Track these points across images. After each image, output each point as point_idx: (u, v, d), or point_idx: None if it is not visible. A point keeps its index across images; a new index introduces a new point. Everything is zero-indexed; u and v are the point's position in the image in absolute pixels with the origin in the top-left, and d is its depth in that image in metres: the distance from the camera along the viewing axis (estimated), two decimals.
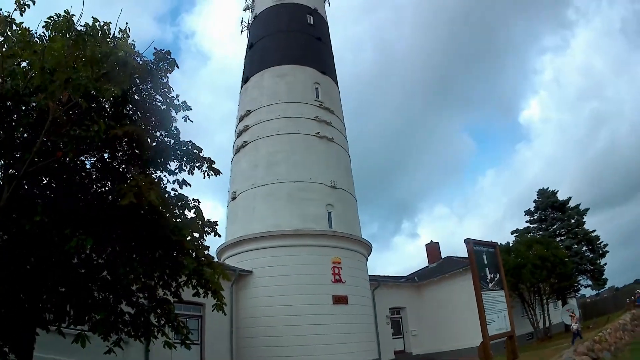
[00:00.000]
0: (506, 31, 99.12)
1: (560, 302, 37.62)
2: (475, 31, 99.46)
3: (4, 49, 6.98)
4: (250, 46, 33.96)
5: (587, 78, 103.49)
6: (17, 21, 7.15)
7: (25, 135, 7.32)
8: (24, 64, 7.20)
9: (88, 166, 8.23)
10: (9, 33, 7.11)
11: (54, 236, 6.93)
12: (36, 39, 7.36)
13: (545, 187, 45.79)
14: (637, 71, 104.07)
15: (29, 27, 7.33)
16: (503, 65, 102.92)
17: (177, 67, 8.61)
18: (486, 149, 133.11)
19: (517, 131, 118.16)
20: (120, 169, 8.51)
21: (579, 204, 43.84)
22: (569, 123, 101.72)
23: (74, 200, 7.54)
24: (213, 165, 9.15)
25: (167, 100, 8.80)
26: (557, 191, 44.64)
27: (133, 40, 8.16)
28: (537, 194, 45.60)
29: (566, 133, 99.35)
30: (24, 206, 6.85)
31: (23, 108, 7.15)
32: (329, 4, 39.07)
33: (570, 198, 44.21)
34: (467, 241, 12.11)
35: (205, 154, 8.94)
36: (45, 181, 7.70)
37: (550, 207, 44.47)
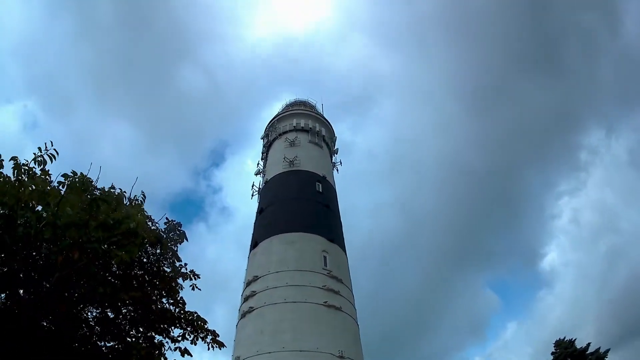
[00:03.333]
0: (524, 183, 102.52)
1: None
2: (495, 185, 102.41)
3: (22, 195, 7.01)
4: (260, 211, 34.78)
5: (601, 214, 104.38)
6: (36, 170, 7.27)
7: (33, 276, 7.35)
8: (39, 207, 7.25)
9: (90, 318, 8.28)
10: (24, 178, 7.10)
11: None
12: (49, 189, 7.39)
13: (562, 337, 43.69)
14: None
15: (49, 172, 7.41)
16: (523, 215, 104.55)
17: (187, 240, 8.83)
18: (509, 301, 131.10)
19: (539, 279, 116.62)
20: (122, 327, 8.50)
21: (599, 347, 41.44)
22: (588, 262, 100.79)
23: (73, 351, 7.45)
24: (217, 338, 9.16)
25: (175, 269, 8.90)
26: (575, 339, 42.53)
27: (145, 210, 8.35)
28: (555, 346, 43.45)
29: (585, 272, 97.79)
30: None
31: (33, 254, 7.25)
32: (337, 171, 40.62)
33: (589, 344, 42.08)
34: None
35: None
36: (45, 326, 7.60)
37: (569, 357, 42.22)
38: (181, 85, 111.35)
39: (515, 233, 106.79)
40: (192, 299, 9.32)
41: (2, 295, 7.33)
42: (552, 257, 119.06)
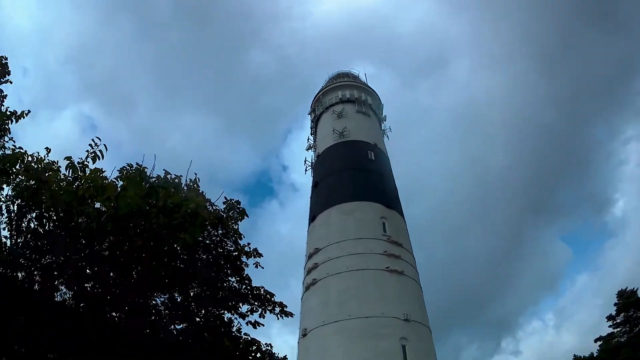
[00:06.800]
0: (592, 133, 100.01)
1: None
2: (563, 138, 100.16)
3: (78, 191, 7.07)
4: (315, 185, 35.12)
5: None
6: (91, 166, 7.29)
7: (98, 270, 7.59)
8: (97, 204, 7.38)
9: (158, 304, 8.50)
10: (79, 174, 7.19)
11: None
12: (106, 183, 7.52)
13: (624, 288, 42.78)
14: None
15: (102, 169, 7.45)
16: (592, 164, 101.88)
17: (247, 217, 8.82)
18: (581, 252, 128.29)
19: (607, 228, 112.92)
20: (191, 309, 8.75)
21: None
22: None
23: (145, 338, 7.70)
24: (285, 309, 9.45)
25: (238, 247, 9.10)
26: (637, 289, 41.54)
27: (202, 191, 8.51)
28: (617, 296, 42.47)
29: None
30: None
31: (96, 248, 7.44)
32: (388, 137, 40.38)
33: None
34: None
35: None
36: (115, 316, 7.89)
37: (632, 307, 41.10)
38: (251, 69, 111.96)
39: (585, 182, 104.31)
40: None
41: (71, 293, 7.48)
42: (620, 204, 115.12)
